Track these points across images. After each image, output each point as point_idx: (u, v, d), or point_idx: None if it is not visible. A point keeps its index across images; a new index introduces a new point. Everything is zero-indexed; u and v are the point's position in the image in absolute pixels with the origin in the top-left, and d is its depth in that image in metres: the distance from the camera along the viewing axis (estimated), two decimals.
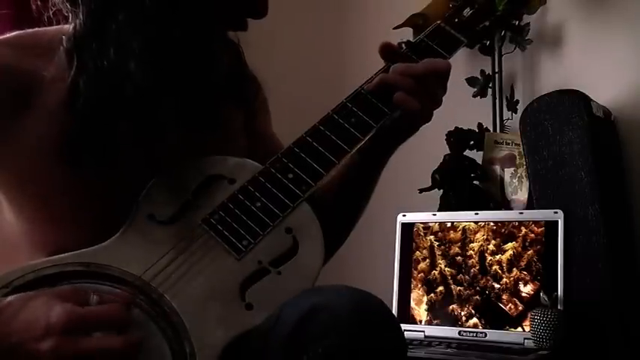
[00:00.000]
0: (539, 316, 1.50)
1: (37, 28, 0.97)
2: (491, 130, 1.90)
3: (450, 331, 1.69)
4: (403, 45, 0.98)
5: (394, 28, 1.85)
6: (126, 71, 0.87)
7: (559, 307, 1.53)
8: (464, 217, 1.75)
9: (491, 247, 1.69)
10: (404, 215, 1.82)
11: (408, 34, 1.81)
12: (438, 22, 1.03)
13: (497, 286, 1.67)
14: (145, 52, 0.87)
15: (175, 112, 0.91)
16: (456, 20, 1.02)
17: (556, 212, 1.62)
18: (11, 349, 0.72)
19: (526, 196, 1.78)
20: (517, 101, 1.89)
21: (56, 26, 0.96)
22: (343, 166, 1.07)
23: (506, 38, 1.83)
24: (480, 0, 1.06)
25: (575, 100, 1.64)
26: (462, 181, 1.86)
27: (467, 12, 1.03)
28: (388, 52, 1.00)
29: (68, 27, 0.94)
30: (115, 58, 0.87)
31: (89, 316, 0.74)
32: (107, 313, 0.75)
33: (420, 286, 1.77)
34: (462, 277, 1.72)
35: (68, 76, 0.90)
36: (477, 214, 1.74)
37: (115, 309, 0.76)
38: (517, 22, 1.78)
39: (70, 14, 0.93)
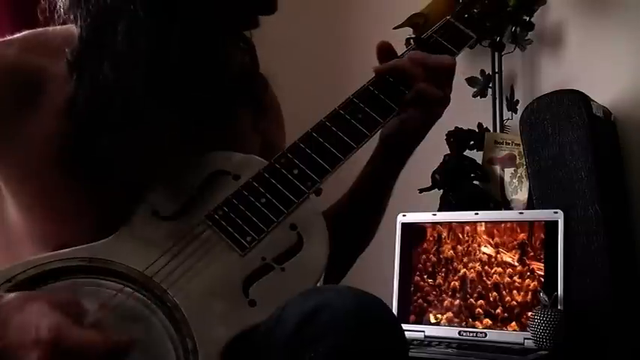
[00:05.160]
0: (539, 316, 1.50)
1: (46, 28, 0.96)
2: (491, 130, 1.90)
3: (450, 331, 1.69)
4: (412, 41, 0.97)
5: (394, 28, 1.85)
6: (120, 88, 0.86)
7: (559, 307, 1.53)
8: (464, 217, 1.75)
9: (491, 247, 1.69)
10: (404, 215, 1.81)
11: (408, 34, 1.81)
12: (447, 17, 1.02)
13: (497, 285, 1.67)
14: (142, 68, 0.87)
15: (176, 125, 0.90)
16: (466, 16, 1.01)
17: (556, 212, 1.62)
18: (1, 350, 0.71)
19: (526, 196, 1.78)
20: (517, 101, 1.89)
21: (66, 26, 0.95)
22: (356, 181, 1.07)
23: (516, 34, 1.82)
24: None
25: (575, 100, 1.64)
26: (462, 181, 1.85)
27: (477, 7, 1.01)
28: (385, 55, 1.00)
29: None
30: (110, 73, 0.87)
31: (77, 341, 0.70)
32: (95, 346, 0.71)
33: (420, 285, 1.77)
34: (462, 276, 1.72)
35: (71, 83, 0.89)
36: (476, 214, 1.73)
37: (106, 343, 0.72)
38: (528, 19, 1.77)
39: (74, 23, 0.92)
